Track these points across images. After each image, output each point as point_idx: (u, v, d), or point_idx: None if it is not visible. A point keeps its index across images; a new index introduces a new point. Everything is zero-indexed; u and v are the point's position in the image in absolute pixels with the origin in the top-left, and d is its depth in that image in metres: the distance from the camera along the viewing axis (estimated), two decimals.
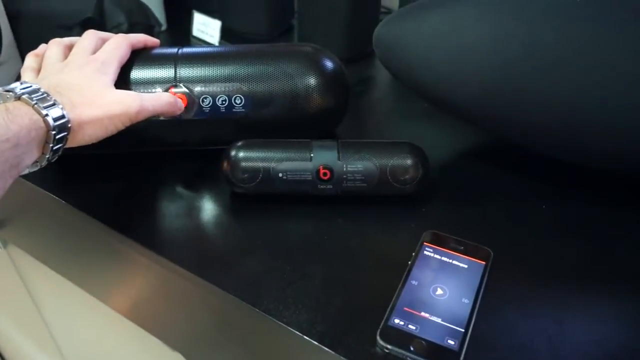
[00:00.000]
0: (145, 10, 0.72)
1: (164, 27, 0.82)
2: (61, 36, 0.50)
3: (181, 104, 0.48)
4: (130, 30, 0.68)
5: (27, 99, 0.38)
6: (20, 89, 0.39)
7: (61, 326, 0.88)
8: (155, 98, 0.46)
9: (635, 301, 0.40)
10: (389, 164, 0.46)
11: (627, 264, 0.43)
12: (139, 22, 0.70)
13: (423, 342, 0.36)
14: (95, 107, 0.42)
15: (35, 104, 0.38)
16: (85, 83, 0.43)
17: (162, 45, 0.53)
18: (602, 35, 0.41)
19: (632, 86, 0.40)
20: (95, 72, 0.44)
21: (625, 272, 0.43)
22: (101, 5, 0.67)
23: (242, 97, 0.49)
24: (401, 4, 0.76)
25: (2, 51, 0.64)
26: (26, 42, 0.67)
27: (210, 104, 0.49)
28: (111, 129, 0.43)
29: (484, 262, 0.42)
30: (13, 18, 0.66)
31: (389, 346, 0.36)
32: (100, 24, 0.67)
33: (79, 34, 0.50)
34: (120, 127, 0.43)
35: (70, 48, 0.48)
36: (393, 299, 0.39)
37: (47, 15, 0.66)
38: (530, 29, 0.43)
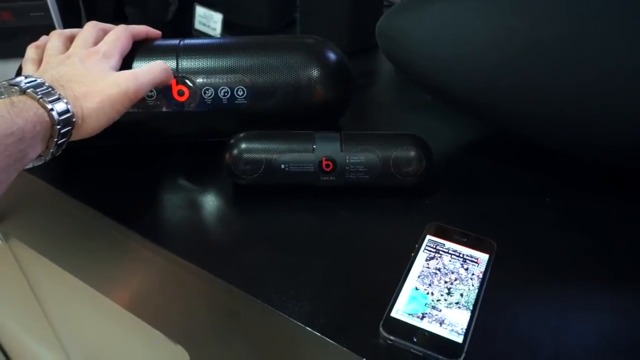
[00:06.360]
0: None
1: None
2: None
3: None
4: None
5: (32, 93, 0.38)
6: (25, 83, 0.39)
7: (63, 319, 0.88)
8: (149, 69, 0.45)
9: (638, 293, 0.40)
10: (392, 156, 0.45)
11: (630, 256, 0.43)
12: None
13: (426, 333, 0.35)
14: (95, 94, 0.41)
15: (41, 98, 0.38)
16: (87, 74, 0.43)
17: (163, 37, 0.53)
18: (603, 28, 0.41)
19: (633, 79, 0.40)
20: (97, 63, 0.44)
21: (628, 264, 0.42)
22: None
23: (245, 89, 0.49)
24: None
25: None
26: None
27: (212, 95, 0.49)
28: (113, 114, 0.42)
29: (487, 254, 0.41)
30: None
31: (392, 337, 0.35)
32: None
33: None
34: (122, 110, 0.43)
35: (71, 39, 0.48)
36: (396, 290, 0.38)
37: None
38: (531, 20, 0.43)
